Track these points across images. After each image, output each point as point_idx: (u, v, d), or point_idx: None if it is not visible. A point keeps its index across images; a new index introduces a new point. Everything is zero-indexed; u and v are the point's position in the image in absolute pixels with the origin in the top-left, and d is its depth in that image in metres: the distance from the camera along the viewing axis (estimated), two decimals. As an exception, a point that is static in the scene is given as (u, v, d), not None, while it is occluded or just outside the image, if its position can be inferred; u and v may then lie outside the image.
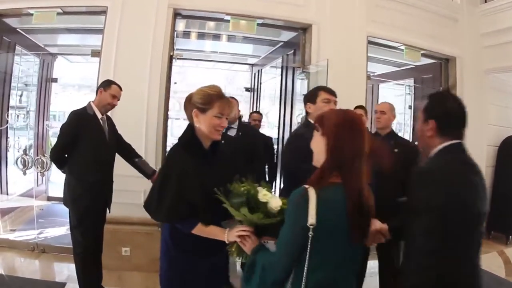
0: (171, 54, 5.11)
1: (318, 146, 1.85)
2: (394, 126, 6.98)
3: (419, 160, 4.27)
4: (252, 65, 9.20)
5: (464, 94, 6.89)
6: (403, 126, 8.83)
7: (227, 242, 2.26)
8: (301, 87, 6.09)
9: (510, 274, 5.63)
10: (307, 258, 1.70)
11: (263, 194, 2.17)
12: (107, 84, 3.85)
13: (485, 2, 7.17)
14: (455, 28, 7.01)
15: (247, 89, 9.21)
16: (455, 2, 7.09)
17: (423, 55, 6.89)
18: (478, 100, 7.00)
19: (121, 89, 3.90)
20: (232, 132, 4.48)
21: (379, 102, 6.56)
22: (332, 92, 3.21)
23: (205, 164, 2.35)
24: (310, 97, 3.24)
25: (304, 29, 5.81)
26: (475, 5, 7.16)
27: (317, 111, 3.02)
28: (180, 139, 2.43)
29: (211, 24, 6.32)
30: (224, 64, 9.82)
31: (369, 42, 6.05)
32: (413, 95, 8.42)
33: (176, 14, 5.18)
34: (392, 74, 8.56)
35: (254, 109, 8.53)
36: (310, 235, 1.66)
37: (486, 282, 2.74)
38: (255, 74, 9.09)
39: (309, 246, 1.68)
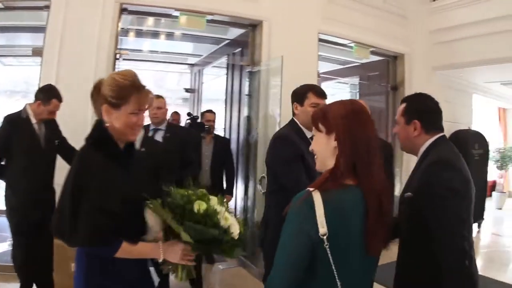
0: (117, 52, 5.03)
1: (323, 147, 1.70)
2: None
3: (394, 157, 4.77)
4: (192, 65, 9.30)
5: (412, 90, 7.27)
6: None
7: (161, 260, 2.02)
8: (251, 86, 6.19)
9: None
10: (332, 266, 1.56)
11: (224, 217, 2.02)
12: (46, 99, 3.75)
13: (434, 0, 7.67)
14: (405, 25, 7.48)
15: (187, 90, 9.28)
16: None
17: (372, 52, 7.28)
18: None
19: (61, 101, 3.82)
20: (160, 134, 4.40)
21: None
22: (322, 95, 3.18)
23: (121, 169, 2.05)
24: (298, 97, 3.21)
25: (253, 26, 5.93)
26: (424, 3, 7.63)
27: (303, 114, 3.10)
28: (88, 138, 2.06)
29: (151, 21, 6.32)
30: (165, 65, 9.83)
31: (319, 40, 6.30)
32: (358, 93, 8.91)
33: (122, 10, 5.10)
34: (336, 72, 8.87)
35: (195, 110, 8.64)
36: (326, 247, 1.53)
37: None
38: (195, 74, 9.18)
39: (330, 257, 1.54)
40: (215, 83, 8.83)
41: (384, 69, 7.91)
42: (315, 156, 1.75)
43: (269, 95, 5.89)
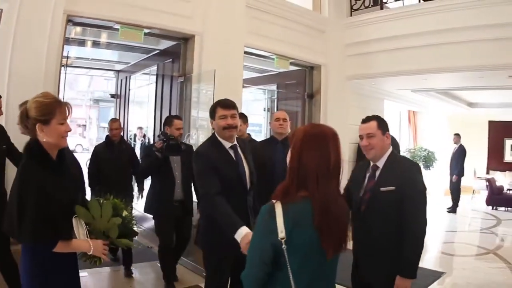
0: (63, 61, 5.48)
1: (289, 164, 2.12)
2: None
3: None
4: (118, 71, 9.72)
5: (328, 98, 8.54)
6: (262, 126, 10.52)
7: (90, 253, 2.63)
8: (183, 95, 6.81)
9: None
10: (288, 264, 1.93)
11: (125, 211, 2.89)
12: None
13: (351, 15, 8.77)
14: (322, 38, 8.51)
15: (112, 96, 9.69)
16: (323, 15, 8.57)
17: (291, 63, 8.24)
18: (340, 103, 8.71)
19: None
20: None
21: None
22: (227, 106, 3.51)
23: (57, 176, 2.53)
24: (211, 113, 3.58)
25: (186, 39, 6.65)
26: (341, 18, 8.72)
27: (217, 127, 3.50)
28: (27, 154, 2.52)
29: (78, 29, 6.61)
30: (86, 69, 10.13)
31: (245, 52, 7.09)
32: (276, 99, 9.88)
33: (68, 21, 5.48)
34: (257, 80, 9.79)
35: (120, 115, 9.08)
36: (284, 248, 1.91)
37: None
38: (121, 80, 9.61)
39: (286, 258, 1.92)
40: (143, 89, 9.31)
41: (301, 78, 8.91)
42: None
43: (200, 104, 6.56)
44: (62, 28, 5.33)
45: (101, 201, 2.92)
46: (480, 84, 10.02)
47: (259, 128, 11.50)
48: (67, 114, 2.59)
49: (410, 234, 2.96)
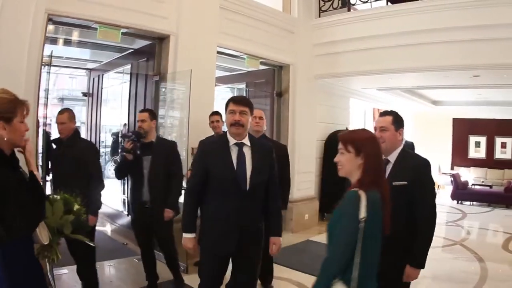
0: (43, 60, 5.55)
1: (351, 164, 2.61)
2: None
3: (288, 157, 5.75)
4: (90, 70, 9.90)
5: (296, 96, 9.01)
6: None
7: (46, 243, 2.81)
8: (158, 94, 7.05)
9: None
10: (360, 246, 2.38)
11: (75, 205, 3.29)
12: None
13: (319, 16, 9.26)
14: (291, 39, 8.97)
15: (84, 94, 9.93)
16: (293, 16, 9.03)
17: (261, 62, 8.66)
18: (308, 101, 9.23)
19: None
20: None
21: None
22: (238, 102, 3.56)
23: (14, 173, 2.51)
24: (225, 108, 3.62)
25: (161, 39, 6.91)
26: (309, 19, 9.22)
27: (226, 123, 3.60)
28: None
29: (50, 28, 6.49)
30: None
31: (217, 52, 7.48)
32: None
33: (49, 20, 5.56)
34: (227, 78, 10.21)
35: (93, 114, 9.36)
36: (361, 226, 2.37)
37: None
38: (94, 79, 9.78)
39: (361, 236, 2.38)
40: (116, 88, 9.52)
41: (270, 77, 9.36)
42: (339, 167, 2.71)
43: (175, 103, 6.92)
44: (43, 27, 5.45)
45: (52, 197, 3.19)
46: (445, 83, 10.55)
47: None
48: (26, 113, 2.60)
49: (422, 227, 3.33)
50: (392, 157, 3.51)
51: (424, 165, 3.47)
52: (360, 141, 2.62)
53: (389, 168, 3.49)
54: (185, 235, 3.55)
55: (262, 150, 3.68)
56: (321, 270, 2.49)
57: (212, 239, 3.51)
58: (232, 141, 3.54)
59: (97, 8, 5.92)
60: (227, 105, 3.58)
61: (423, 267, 3.36)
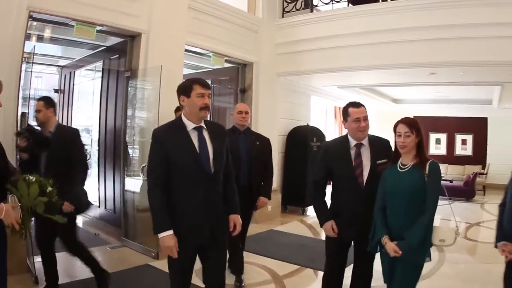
0: (24, 56, 5.82)
1: (414, 143, 3.61)
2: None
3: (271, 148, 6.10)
4: (62, 67, 10.27)
5: (259, 93, 9.71)
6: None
7: (1, 217, 3.01)
8: (130, 90, 7.47)
9: (316, 234, 8.77)
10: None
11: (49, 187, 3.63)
12: None
13: (282, 17, 9.97)
14: (255, 38, 9.64)
15: (56, 91, 10.15)
16: (257, 16, 9.70)
17: (226, 60, 9.29)
18: (271, 98, 9.92)
19: None
20: None
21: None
22: (206, 85, 3.50)
23: None
24: (184, 90, 3.48)
25: (133, 37, 7.32)
26: (273, 19, 9.91)
27: (191, 105, 3.44)
28: None
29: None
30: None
31: (185, 50, 8.05)
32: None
33: (29, 17, 5.79)
34: (191, 76, 9.84)
35: (65, 111, 9.65)
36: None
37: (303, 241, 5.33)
38: (65, 75, 10.09)
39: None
40: (88, 85, 9.87)
41: (234, 75, 10.03)
42: (405, 146, 3.63)
43: (145, 97, 7.38)
44: (25, 24, 5.70)
45: (28, 178, 3.49)
46: (404, 80, 11.32)
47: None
48: None
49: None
50: (365, 141, 4.15)
51: (388, 142, 4.21)
52: (418, 125, 3.65)
53: (365, 150, 4.14)
54: (162, 234, 3.32)
55: (217, 132, 3.69)
56: (426, 223, 3.51)
57: (184, 230, 3.40)
58: (190, 125, 3.51)
59: (74, 5, 6.26)
60: (190, 87, 3.47)
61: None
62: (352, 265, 4.42)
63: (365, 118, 4.12)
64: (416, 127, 3.62)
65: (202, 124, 3.58)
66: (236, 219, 3.72)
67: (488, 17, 7.45)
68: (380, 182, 3.85)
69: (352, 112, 4.12)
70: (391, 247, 3.53)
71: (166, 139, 3.47)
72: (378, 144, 4.22)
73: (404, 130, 3.59)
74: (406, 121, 3.64)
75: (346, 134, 4.27)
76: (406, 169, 3.65)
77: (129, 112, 7.62)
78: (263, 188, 5.82)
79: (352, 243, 4.33)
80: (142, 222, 7.20)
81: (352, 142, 4.16)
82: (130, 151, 7.68)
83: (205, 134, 3.57)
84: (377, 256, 3.94)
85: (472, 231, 9.61)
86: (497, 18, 7.38)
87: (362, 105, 4.20)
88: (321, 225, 4.24)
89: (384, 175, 3.82)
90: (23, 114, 6.15)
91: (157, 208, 3.36)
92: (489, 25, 7.48)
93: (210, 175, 3.47)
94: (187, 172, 3.42)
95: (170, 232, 3.31)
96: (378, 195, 3.82)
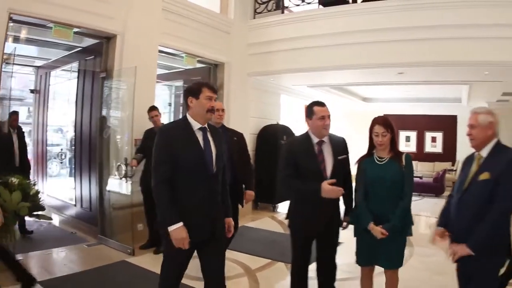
0: (4, 58, 6.00)
1: (388, 141, 4.15)
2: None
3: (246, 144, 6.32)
4: (38, 67, 10.45)
5: (230, 92, 10.04)
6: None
7: None
8: (105, 90, 7.67)
9: (287, 230, 9.06)
10: None
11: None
12: None
13: (254, 18, 10.27)
14: (227, 39, 9.96)
15: (32, 91, 10.36)
16: (229, 17, 10.00)
17: (199, 61, 9.58)
18: (242, 97, 10.25)
19: None
20: None
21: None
22: (214, 89, 3.75)
23: None
24: (193, 92, 3.67)
25: (108, 38, 7.55)
26: (245, 20, 10.21)
27: (199, 107, 3.63)
28: None
29: None
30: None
31: (159, 51, 8.35)
32: (182, 94, 10.47)
33: (9, 19, 5.98)
34: (165, 76, 10.90)
35: (41, 111, 9.87)
36: None
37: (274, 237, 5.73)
38: (41, 76, 10.25)
39: None
40: (64, 85, 10.06)
41: (206, 75, 10.34)
42: (382, 144, 4.18)
43: (120, 97, 7.58)
44: (5, 25, 5.90)
45: (11, 181, 3.70)
46: (372, 80, 11.75)
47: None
48: None
49: (350, 185, 4.63)
50: (326, 139, 4.43)
51: (344, 140, 4.57)
52: (391, 123, 4.21)
53: (326, 147, 4.42)
54: (174, 226, 3.44)
55: (217, 134, 3.87)
56: (406, 206, 4.12)
57: (186, 227, 3.50)
58: (196, 125, 3.67)
59: (53, 8, 6.46)
60: (200, 90, 3.67)
61: None
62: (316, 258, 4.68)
63: (329, 116, 4.41)
64: (390, 126, 4.20)
65: (207, 126, 3.78)
66: (230, 222, 3.98)
67: (454, 19, 7.87)
68: (358, 174, 4.40)
69: (317, 110, 4.38)
70: (378, 230, 4.06)
71: (173, 137, 3.60)
72: (337, 142, 4.53)
73: (381, 130, 4.17)
74: (381, 122, 4.21)
75: (307, 132, 4.54)
76: (385, 161, 4.24)
77: (104, 112, 7.85)
78: (246, 182, 6.10)
79: (316, 239, 4.62)
80: (118, 219, 7.50)
81: (315, 139, 4.43)
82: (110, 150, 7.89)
83: (209, 135, 3.76)
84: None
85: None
86: (461, 20, 7.81)
87: (325, 104, 4.51)
88: (318, 188, 4.11)
89: (363, 167, 4.34)
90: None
91: (165, 202, 3.49)
92: (455, 27, 7.90)
93: (212, 174, 3.66)
94: (192, 170, 3.56)
95: (181, 224, 3.43)
96: (358, 185, 4.34)
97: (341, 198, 4.44)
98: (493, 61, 8.08)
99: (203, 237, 3.60)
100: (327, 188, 4.07)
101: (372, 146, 4.36)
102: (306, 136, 4.54)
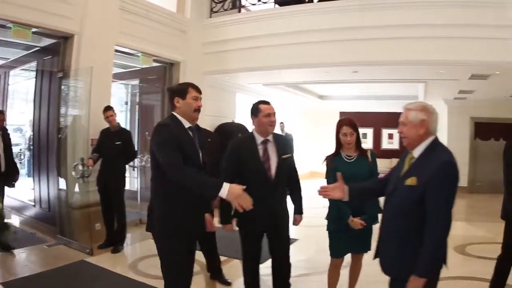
0: None
1: (355, 140, 4.59)
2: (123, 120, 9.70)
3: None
4: None
5: None
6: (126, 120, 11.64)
7: None
8: (62, 90, 7.82)
9: None
10: None
11: None
12: None
13: (210, 17, 10.55)
14: (183, 38, 10.25)
15: None
16: (185, 16, 10.27)
17: (154, 60, 9.84)
18: None
19: None
20: None
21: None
22: (199, 90, 3.87)
23: None
24: (179, 93, 3.77)
25: (66, 38, 7.70)
26: (201, 19, 10.49)
27: (186, 107, 3.73)
28: None
29: None
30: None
31: (115, 50, 8.56)
32: (138, 94, 11.29)
33: None
34: (121, 75, 11.19)
35: None
36: None
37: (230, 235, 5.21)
38: (0, 75, 10.39)
39: None
40: (22, 85, 10.24)
41: (162, 74, 10.67)
42: (350, 143, 4.66)
43: (77, 97, 7.73)
44: None
45: None
46: (327, 78, 12.15)
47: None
48: None
49: (297, 184, 5.03)
50: (271, 138, 4.64)
51: (291, 139, 4.98)
52: (355, 123, 4.69)
53: (271, 146, 4.61)
54: (225, 187, 3.46)
55: (200, 134, 4.03)
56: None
57: (187, 221, 3.74)
58: (186, 124, 3.79)
59: (12, 8, 6.62)
60: (186, 90, 3.77)
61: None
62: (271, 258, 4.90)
63: (274, 114, 4.60)
64: (356, 126, 4.69)
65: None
66: (209, 217, 4.19)
67: (407, 18, 8.26)
68: (328, 172, 4.74)
69: (263, 108, 4.56)
70: (358, 222, 4.55)
71: (176, 132, 3.65)
72: (282, 141, 4.79)
73: (349, 130, 4.65)
74: (348, 123, 4.68)
75: (252, 132, 4.72)
76: (353, 159, 4.73)
77: (62, 111, 8.01)
78: None
79: (266, 237, 4.79)
80: (76, 219, 7.70)
81: (259, 138, 4.61)
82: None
83: (197, 134, 3.95)
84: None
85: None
86: (415, 19, 8.23)
87: (270, 103, 4.72)
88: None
89: (334, 165, 4.66)
90: None
91: (198, 176, 3.54)
92: (408, 26, 8.29)
93: (203, 169, 3.85)
94: (190, 164, 3.60)
95: (227, 184, 3.44)
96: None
97: (285, 196, 4.81)
98: (447, 60, 8.50)
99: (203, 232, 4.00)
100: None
101: (339, 145, 4.79)
102: (250, 136, 4.73)
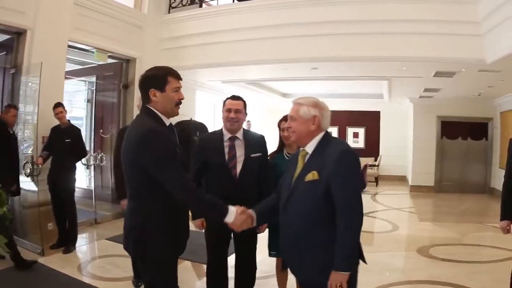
0: None
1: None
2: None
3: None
4: None
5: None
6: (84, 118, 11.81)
7: None
8: (14, 87, 7.87)
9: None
10: None
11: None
12: None
13: (169, 12, 10.72)
14: (140, 34, 10.43)
15: None
16: (143, 12, 10.45)
17: (110, 56, 10.02)
18: None
19: None
20: None
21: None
22: (180, 77, 3.24)
23: None
24: (157, 83, 3.14)
25: (19, 34, 7.73)
26: (159, 15, 10.66)
27: (166, 101, 3.16)
28: None
29: None
30: None
31: (68, 46, 8.58)
32: (95, 90, 11.24)
33: None
34: (76, 72, 11.16)
35: None
36: None
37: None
38: None
39: None
40: None
41: (118, 70, 10.79)
42: (289, 138, 4.38)
43: (29, 94, 7.77)
44: None
45: None
46: (286, 75, 12.32)
47: (81, 122, 12.05)
48: None
49: (270, 184, 4.59)
50: (240, 135, 4.57)
51: (263, 138, 4.76)
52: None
53: (239, 143, 4.56)
54: (231, 210, 3.30)
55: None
56: None
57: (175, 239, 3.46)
58: (167, 121, 3.29)
59: None
60: (165, 80, 3.12)
61: None
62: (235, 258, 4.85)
63: (237, 111, 4.47)
64: None
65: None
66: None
67: (365, 14, 8.46)
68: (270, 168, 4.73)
69: (226, 103, 4.54)
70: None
71: (173, 138, 3.28)
72: (253, 139, 4.69)
73: (286, 126, 4.33)
74: (287, 118, 4.09)
75: (221, 128, 4.66)
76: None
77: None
78: None
79: (232, 237, 4.65)
80: (28, 218, 7.77)
81: (227, 135, 4.55)
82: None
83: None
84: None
85: (365, 220, 10.97)
86: (373, 15, 8.43)
87: (240, 99, 4.59)
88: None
89: (274, 162, 4.79)
90: None
91: (208, 199, 3.35)
92: (367, 22, 8.49)
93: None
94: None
95: (233, 209, 3.30)
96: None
97: (252, 197, 4.53)
98: (409, 57, 8.64)
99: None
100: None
101: (281, 142, 4.87)
102: (219, 132, 4.68)
